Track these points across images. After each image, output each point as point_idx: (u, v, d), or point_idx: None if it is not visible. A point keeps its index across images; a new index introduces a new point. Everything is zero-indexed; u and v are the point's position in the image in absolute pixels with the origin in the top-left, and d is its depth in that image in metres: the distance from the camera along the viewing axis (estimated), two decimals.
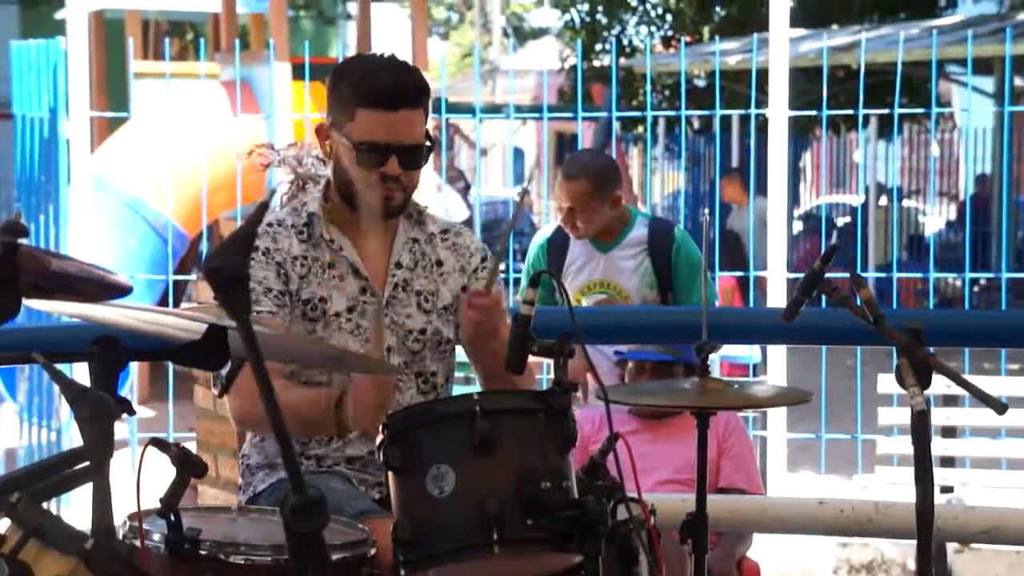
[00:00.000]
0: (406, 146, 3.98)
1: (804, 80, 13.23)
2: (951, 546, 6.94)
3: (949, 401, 8.08)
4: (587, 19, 27.92)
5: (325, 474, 4.04)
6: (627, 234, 6.47)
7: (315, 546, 2.73)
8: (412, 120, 4.01)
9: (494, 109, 17.40)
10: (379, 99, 3.94)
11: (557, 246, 6.57)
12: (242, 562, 3.27)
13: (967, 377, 3.78)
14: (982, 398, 3.62)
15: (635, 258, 6.44)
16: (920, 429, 3.33)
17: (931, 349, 3.58)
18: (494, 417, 3.34)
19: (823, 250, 4.06)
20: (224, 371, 3.22)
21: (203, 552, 3.25)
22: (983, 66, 16.32)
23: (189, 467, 3.15)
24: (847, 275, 3.89)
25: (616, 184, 6.58)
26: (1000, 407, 3.68)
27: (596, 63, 24.68)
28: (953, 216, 24.29)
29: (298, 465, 2.76)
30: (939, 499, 7.12)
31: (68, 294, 3.00)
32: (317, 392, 3.96)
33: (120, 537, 3.23)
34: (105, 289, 3.05)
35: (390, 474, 3.40)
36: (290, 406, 3.79)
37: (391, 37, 16.57)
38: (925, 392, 3.42)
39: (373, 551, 3.42)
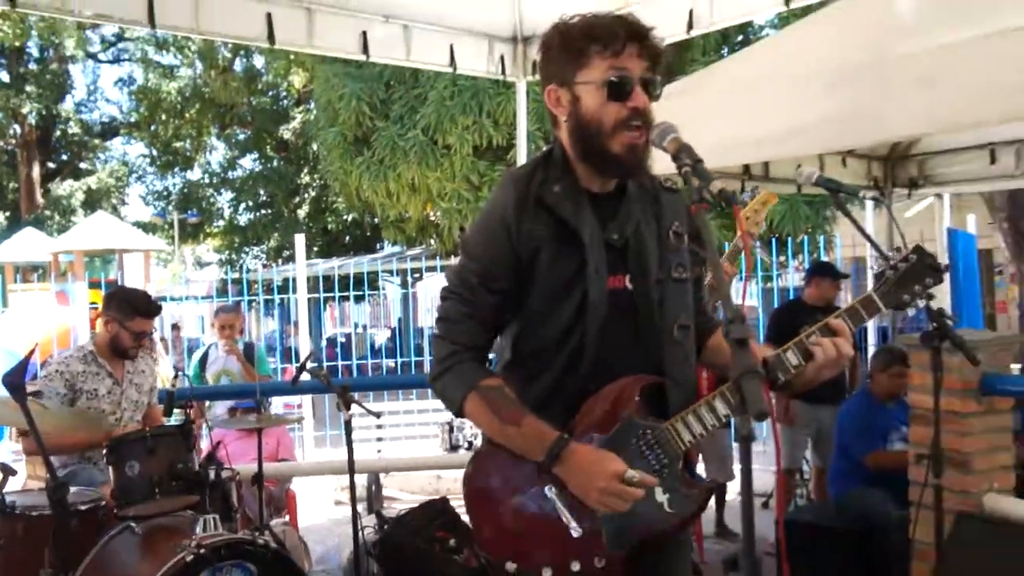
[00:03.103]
0: None
1: (317, 280, 12.63)
2: None
3: None
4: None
5: (90, 466, 3.77)
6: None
7: (64, 504, 2.62)
8: None
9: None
10: None
11: (204, 357, 6.25)
12: (36, 515, 3.05)
13: None
14: None
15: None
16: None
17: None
18: (156, 437, 3.26)
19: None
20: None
21: (16, 512, 3.03)
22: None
23: (7, 472, 2.96)
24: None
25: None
26: None
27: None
28: None
29: (54, 468, 2.64)
30: None
31: None
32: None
33: None
34: None
35: (110, 467, 3.26)
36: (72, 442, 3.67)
37: (135, 272, 15.43)
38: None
39: (104, 503, 3.25)
